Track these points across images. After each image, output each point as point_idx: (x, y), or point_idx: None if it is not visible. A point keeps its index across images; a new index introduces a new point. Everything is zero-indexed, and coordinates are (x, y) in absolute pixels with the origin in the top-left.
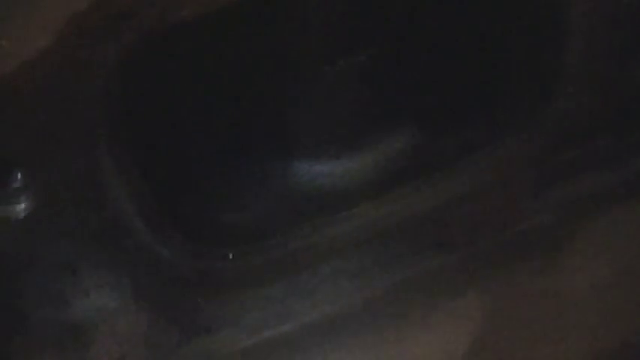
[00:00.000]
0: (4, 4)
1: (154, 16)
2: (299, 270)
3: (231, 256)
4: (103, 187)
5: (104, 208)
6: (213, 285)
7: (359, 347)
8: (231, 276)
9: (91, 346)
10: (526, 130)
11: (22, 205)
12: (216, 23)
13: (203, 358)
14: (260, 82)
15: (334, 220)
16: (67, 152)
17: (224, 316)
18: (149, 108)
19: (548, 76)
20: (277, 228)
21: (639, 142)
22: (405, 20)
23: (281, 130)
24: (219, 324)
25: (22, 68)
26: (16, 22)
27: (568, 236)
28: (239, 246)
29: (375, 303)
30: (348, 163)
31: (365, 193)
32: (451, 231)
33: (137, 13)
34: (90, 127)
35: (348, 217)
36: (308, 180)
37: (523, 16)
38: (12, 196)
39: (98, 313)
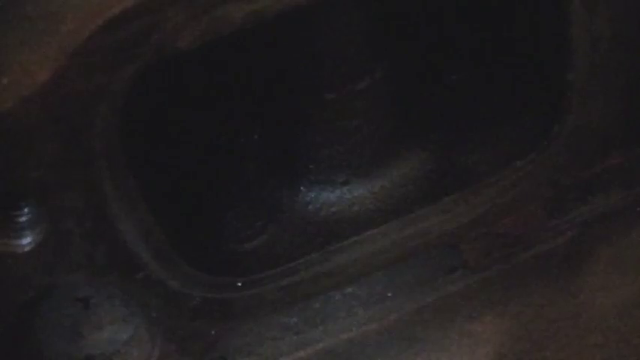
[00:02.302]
0: (2, 44)
1: (151, 47)
2: (311, 297)
3: (240, 284)
4: (109, 219)
5: (112, 241)
6: (226, 315)
7: None
8: (242, 305)
9: None
10: (538, 151)
11: (29, 239)
12: (215, 53)
13: None
14: (266, 110)
15: (344, 247)
16: (72, 185)
17: (238, 346)
18: (153, 138)
19: (557, 95)
20: (287, 255)
21: None
22: (412, 43)
23: (288, 158)
24: (233, 354)
25: (23, 103)
26: (16, 59)
27: (586, 256)
28: (249, 275)
29: (390, 328)
30: (357, 189)
31: (375, 220)
32: (465, 255)
33: (134, 46)
34: (93, 159)
35: (359, 244)
36: (316, 207)
37: (531, 36)
38: (19, 229)
39: (111, 346)
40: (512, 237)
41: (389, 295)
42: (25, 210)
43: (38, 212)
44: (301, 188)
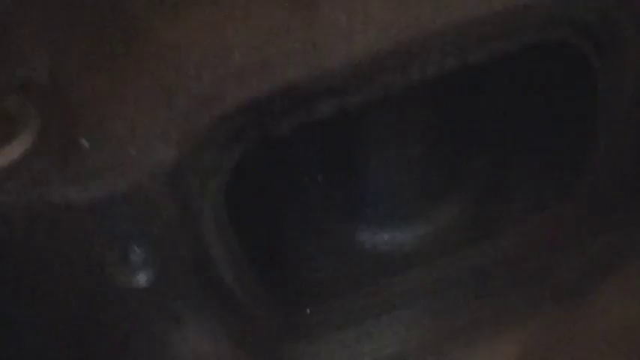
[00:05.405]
0: (131, 118)
1: (258, 133)
2: (364, 319)
3: (308, 311)
4: (210, 264)
5: (210, 280)
6: (295, 334)
7: None
8: (309, 326)
9: None
10: (562, 203)
11: (144, 276)
12: (305, 135)
13: None
14: (336, 174)
15: (394, 281)
16: (182, 238)
17: (304, 358)
18: (250, 200)
19: (582, 155)
20: (346, 285)
21: None
22: (455, 117)
23: (350, 205)
24: None
25: (149, 175)
26: (143, 135)
27: (593, 286)
28: (315, 302)
29: (426, 345)
30: (406, 233)
31: (420, 258)
32: (494, 285)
33: (244, 132)
34: (202, 219)
35: (406, 278)
36: (372, 246)
37: (560, 107)
38: (135, 268)
39: (195, 356)
40: (534, 271)
41: (427, 318)
42: (140, 252)
43: (153, 257)
44: (360, 230)
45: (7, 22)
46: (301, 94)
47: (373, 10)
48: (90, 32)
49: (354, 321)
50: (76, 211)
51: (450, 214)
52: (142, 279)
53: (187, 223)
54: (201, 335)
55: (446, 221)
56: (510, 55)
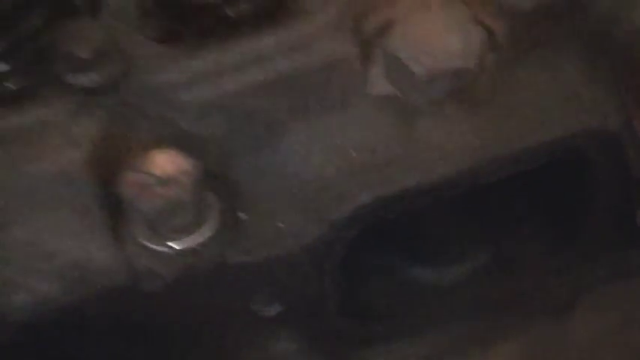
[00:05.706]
0: (274, 199)
1: (374, 218)
2: (402, 335)
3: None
4: (322, 297)
5: (318, 306)
6: (353, 343)
7: None
8: (366, 338)
9: None
10: (555, 251)
11: (276, 309)
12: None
13: None
14: (399, 231)
15: (425, 309)
16: (311, 286)
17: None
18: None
19: (574, 219)
20: (398, 310)
21: (626, 243)
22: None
23: (408, 251)
24: None
25: (293, 244)
26: (286, 213)
27: (573, 304)
28: (378, 319)
29: (434, 352)
30: (444, 274)
31: (452, 292)
32: (493, 301)
33: (364, 217)
34: (324, 275)
35: (435, 306)
36: (416, 281)
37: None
38: (270, 304)
39: (284, 354)
40: (527, 293)
41: (437, 331)
42: (276, 293)
43: (284, 296)
44: (413, 268)
45: None
46: (408, 196)
47: (458, 134)
48: (237, 127)
49: (392, 336)
50: (241, 269)
51: (476, 260)
52: (274, 310)
53: (315, 275)
54: (290, 340)
55: (474, 264)
56: None
